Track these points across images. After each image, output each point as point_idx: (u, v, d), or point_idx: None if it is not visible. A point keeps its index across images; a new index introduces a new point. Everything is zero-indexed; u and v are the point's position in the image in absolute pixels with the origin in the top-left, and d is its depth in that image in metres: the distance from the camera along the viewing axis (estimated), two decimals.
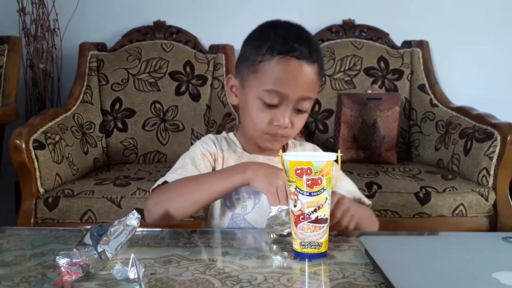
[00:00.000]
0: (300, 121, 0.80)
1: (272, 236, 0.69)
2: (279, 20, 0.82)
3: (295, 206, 0.60)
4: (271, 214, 0.65)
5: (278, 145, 0.84)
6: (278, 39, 0.75)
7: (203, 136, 0.93)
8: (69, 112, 1.76)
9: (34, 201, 1.40)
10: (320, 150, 0.95)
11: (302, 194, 0.59)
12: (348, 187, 0.90)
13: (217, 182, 0.73)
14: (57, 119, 1.64)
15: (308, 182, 0.59)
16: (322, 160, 0.59)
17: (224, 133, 0.93)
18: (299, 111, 0.78)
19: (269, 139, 0.80)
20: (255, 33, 0.81)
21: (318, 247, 0.60)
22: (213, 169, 0.85)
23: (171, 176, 0.78)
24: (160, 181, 0.78)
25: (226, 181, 0.72)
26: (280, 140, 0.81)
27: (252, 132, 0.81)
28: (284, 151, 0.89)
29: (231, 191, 0.77)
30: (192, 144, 1.92)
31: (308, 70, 0.75)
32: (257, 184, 0.68)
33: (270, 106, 0.76)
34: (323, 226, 0.60)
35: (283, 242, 0.68)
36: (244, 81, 0.80)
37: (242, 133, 0.88)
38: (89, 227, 0.58)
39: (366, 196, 1.41)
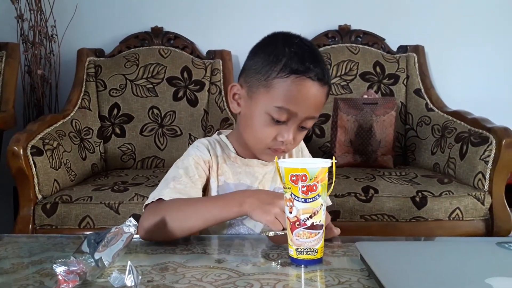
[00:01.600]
0: (301, 136, 0.82)
1: (266, 234, 0.68)
2: (290, 34, 0.82)
3: (290, 212, 0.61)
4: None
5: (275, 158, 0.85)
6: (293, 57, 0.75)
7: None
8: (67, 118, 1.76)
9: (32, 207, 1.40)
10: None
11: (298, 200, 0.60)
12: None
13: (214, 212, 0.73)
14: (55, 125, 1.64)
15: (303, 189, 0.60)
16: (317, 166, 0.60)
17: (215, 135, 0.92)
18: (302, 128, 0.80)
19: (269, 153, 0.81)
20: (267, 46, 0.81)
21: (314, 253, 0.60)
22: (207, 178, 0.85)
23: (165, 192, 0.77)
24: (154, 198, 0.77)
25: (223, 212, 0.72)
26: (279, 155, 0.81)
27: (254, 145, 0.82)
28: None
29: (228, 220, 0.79)
30: None
31: (319, 92, 0.77)
32: (256, 217, 0.69)
33: (277, 122, 0.77)
34: (319, 232, 0.61)
35: (279, 248, 0.68)
36: (252, 93, 0.79)
37: (237, 137, 0.87)
38: (87, 233, 0.59)
39: (362, 200, 1.44)
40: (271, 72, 0.76)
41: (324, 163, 0.61)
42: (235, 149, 0.87)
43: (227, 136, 0.90)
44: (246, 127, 0.82)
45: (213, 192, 0.85)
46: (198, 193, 0.82)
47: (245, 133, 0.83)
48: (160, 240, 0.74)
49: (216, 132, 0.93)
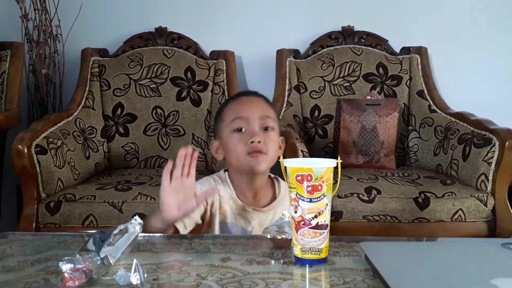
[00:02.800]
0: (272, 136, 0.93)
1: (267, 236, 0.69)
2: None
3: (295, 212, 0.61)
4: (273, 222, 0.67)
5: (262, 164, 0.91)
6: (232, 97, 1.02)
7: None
8: (71, 117, 1.77)
9: (36, 206, 1.40)
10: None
11: (303, 200, 0.60)
12: None
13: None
14: (59, 124, 1.65)
15: (308, 189, 0.60)
16: (323, 166, 0.60)
17: (222, 172, 1.00)
18: (265, 129, 0.92)
19: (252, 160, 0.90)
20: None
21: (318, 253, 0.61)
22: (205, 210, 0.94)
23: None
24: None
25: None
26: (261, 158, 0.90)
27: (239, 161, 0.92)
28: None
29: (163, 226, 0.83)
30: (192, 148, 1.92)
31: (257, 99, 0.98)
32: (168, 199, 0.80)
33: (240, 131, 0.92)
34: (324, 232, 0.61)
35: (284, 248, 0.69)
36: (220, 134, 0.97)
37: (232, 177, 0.97)
38: (92, 232, 0.59)
39: (365, 201, 1.44)
40: (221, 112, 0.98)
41: (329, 163, 0.61)
42: (235, 190, 0.96)
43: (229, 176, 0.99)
44: (228, 154, 0.95)
45: (216, 226, 0.94)
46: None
47: (231, 159, 0.95)
48: None
49: (223, 170, 1.01)
